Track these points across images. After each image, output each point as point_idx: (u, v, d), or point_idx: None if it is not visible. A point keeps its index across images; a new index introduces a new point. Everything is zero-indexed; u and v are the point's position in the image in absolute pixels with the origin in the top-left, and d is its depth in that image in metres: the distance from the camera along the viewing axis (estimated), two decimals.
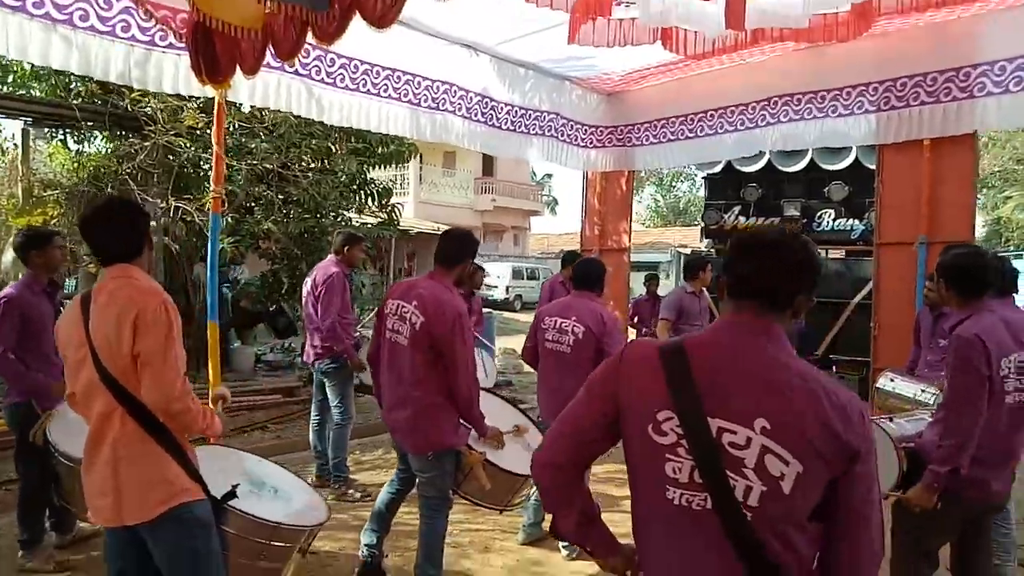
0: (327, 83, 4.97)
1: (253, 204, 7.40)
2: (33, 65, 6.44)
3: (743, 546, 1.39)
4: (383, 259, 21.50)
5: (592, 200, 8.29)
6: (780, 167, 8.91)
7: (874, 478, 1.41)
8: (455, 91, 5.88)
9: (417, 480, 3.36)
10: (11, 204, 11.77)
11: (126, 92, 6.54)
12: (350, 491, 5.06)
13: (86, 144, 9.96)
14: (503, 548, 4.20)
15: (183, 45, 4.27)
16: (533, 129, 6.78)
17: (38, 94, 8.39)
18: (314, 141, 7.38)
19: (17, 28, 3.71)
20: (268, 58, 4.71)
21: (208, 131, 6.93)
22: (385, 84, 5.34)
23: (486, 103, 6.21)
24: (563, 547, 4.08)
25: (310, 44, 4.81)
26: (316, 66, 4.92)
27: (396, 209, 9.36)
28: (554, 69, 6.65)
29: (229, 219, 6.85)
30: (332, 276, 4.71)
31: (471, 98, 6.05)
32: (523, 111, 6.60)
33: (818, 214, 8.79)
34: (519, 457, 3.33)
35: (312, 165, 7.25)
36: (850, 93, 5.34)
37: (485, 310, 9.02)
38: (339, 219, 8.02)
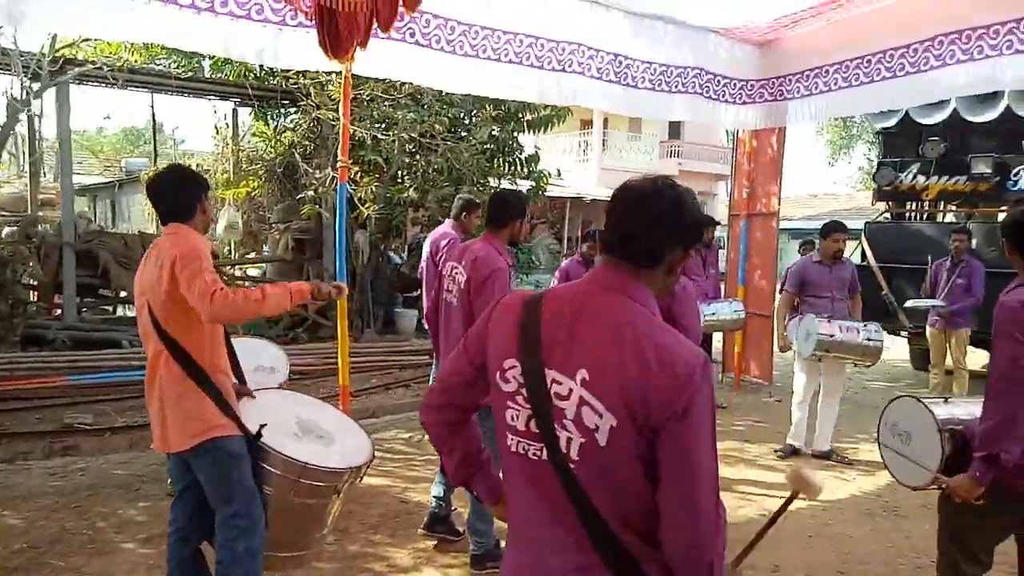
0: (447, 51, 5.07)
1: (404, 173, 7.80)
2: None
3: (573, 498, 1.34)
4: (557, 225, 21.75)
5: (741, 160, 7.82)
6: (968, 117, 7.83)
7: (703, 439, 1.30)
8: (584, 51, 5.76)
9: None
10: (224, 178, 13.32)
11: (281, 71, 7.12)
12: None
13: (283, 120, 11.02)
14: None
15: (311, 23, 4.58)
16: (675, 87, 6.47)
17: (229, 78, 9.34)
18: (452, 109, 7.61)
19: (166, 18, 4.15)
20: (393, 30, 5.01)
21: (354, 102, 7.40)
22: (506, 48, 5.34)
23: (620, 62, 6.02)
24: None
25: (430, 13, 5.07)
26: (436, 35, 5.02)
27: (544, 175, 9.41)
28: (692, 21, 6.30)
29: (374, 188, 7.30)
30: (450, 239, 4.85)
31: (602, 57, 5.89)
32: (663, 68, 6.31)
33: (1015, 171, 7.62)
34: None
35: (447, 133, 7.47)
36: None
37: None
38: (484, 186, 8.22)
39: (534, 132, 9.12)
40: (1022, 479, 2.34)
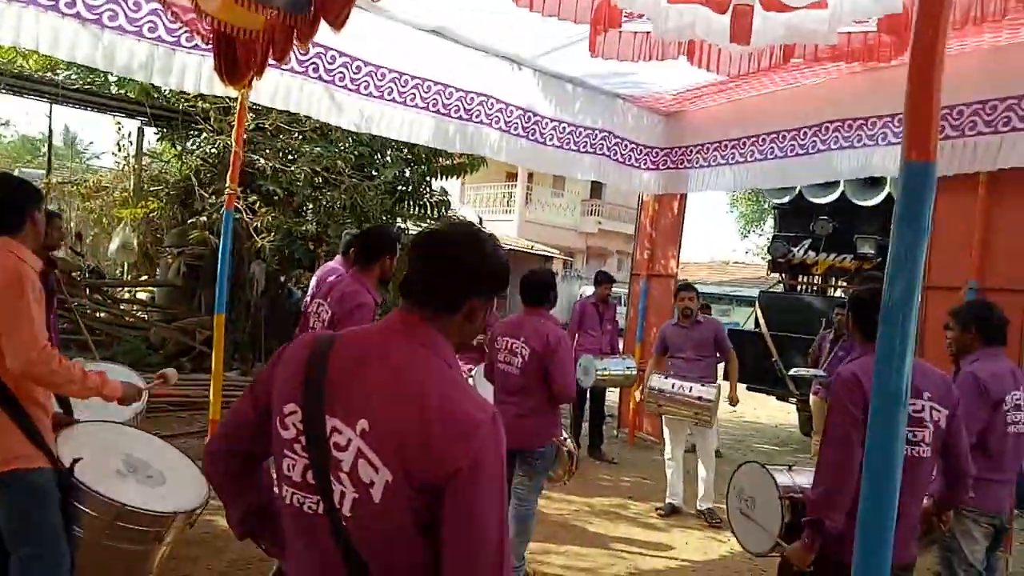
0: (350, 89, 5.01)
1: (308, 207, 7.64)
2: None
3: (345, 556, 1.26)
4: None
5: (644, 222, 8.04)
6: (855, 200, 8.33)
7: (487, 501, 1.23)
8: (492, 104, 5.83)
9: None
10: (123, 196, 12.69)
11: (186, 94, 6.92)
12: None
13: (187, 143, 10.65)
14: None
15: (208, 47, 4.45)
16: (584, 147, 6.63)
17: (131, 94, 8.99)
18: (360, 147, 7.55)
19: (49, 26, 3.94)
20: (294, 63, 4.92)
21: (258, 131, 7.24)
22: (413, 93, 5.34)
23: (528, 118, 6.12)
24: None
25: (336, 50, 5.02)
26: (340, 72, 4.97)
27: (453, 219, 9.41)
28: (601, 86, 6.50)
29: (270, 219, 7.10)
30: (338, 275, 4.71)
31: (511, 111, 5.97)
32: (572, 128, 6.46)
33: None
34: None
35: (353, 171, 7.39)
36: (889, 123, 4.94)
37: None
38: (389, 226, 8.13)
39: (446, 178, 9.14)
40: (841, 547, 2.38)
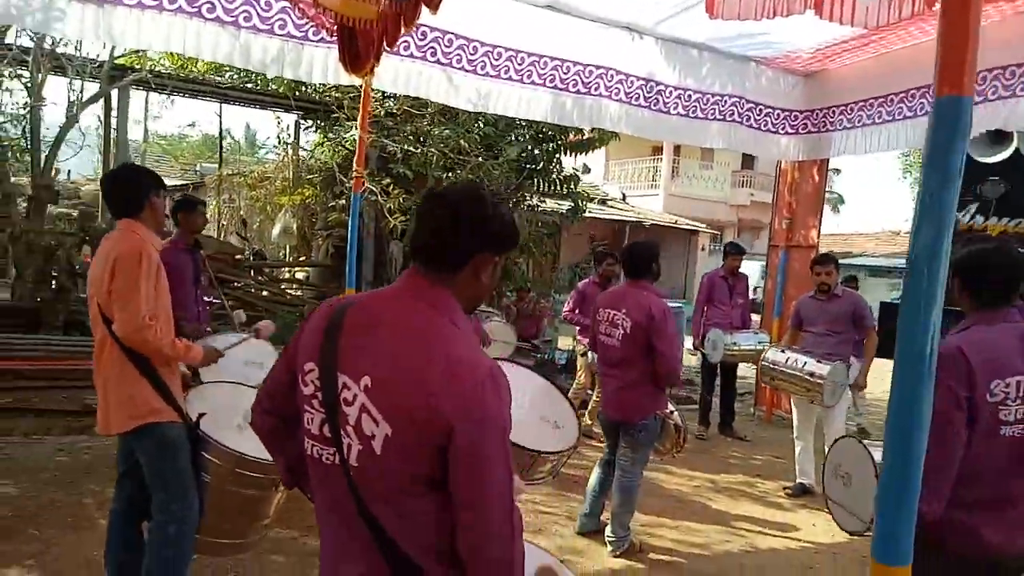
0: (467, 70, 5.12)
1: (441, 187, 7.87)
2: None
3: (356, 504, 1.35)
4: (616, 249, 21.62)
5: (783, 191, 7.59)
6: None
7: (489, 458, 1.28)
8: (612, 75, 5.73)
9: None
10: (283, 185, 13.75)
11: (327, 86, 7.34)
12: None
13: (331, 133, 11.36)
14: (556, 532, 4.13)
15: (332, 39, 4.72)
16: (711, 114, 6.36)
17: (279, 90, 9.65)
18: (486, 127, 7.67)
19: (193, 31, 4.34)
20: (413, 48, 5.10)
21: (388, 117, 7.55)
22: (529, 70, 5.37)
23: (651, 87, 5.96)
24: (609, 541, 3.91)
25: (453, 33, 5.14)
26: (458, 54, 5.09)
27: (583, 195, 9.35)
28: (729, 48, 6.19)
29: (401, 200, 7.40)
30: None
31: (631, 82, 5.84)
32: (698, 94, 6.22)
33: None
34: (530, 432, 3.22)
35: (479, 150, 7.51)
36: None
37: (675, 305, 8.63)
38: (516, 204, 8.24)
39: (576, 154, 9.09)
40: (956, 537, 2.17)
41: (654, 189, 26.68)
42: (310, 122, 11.91)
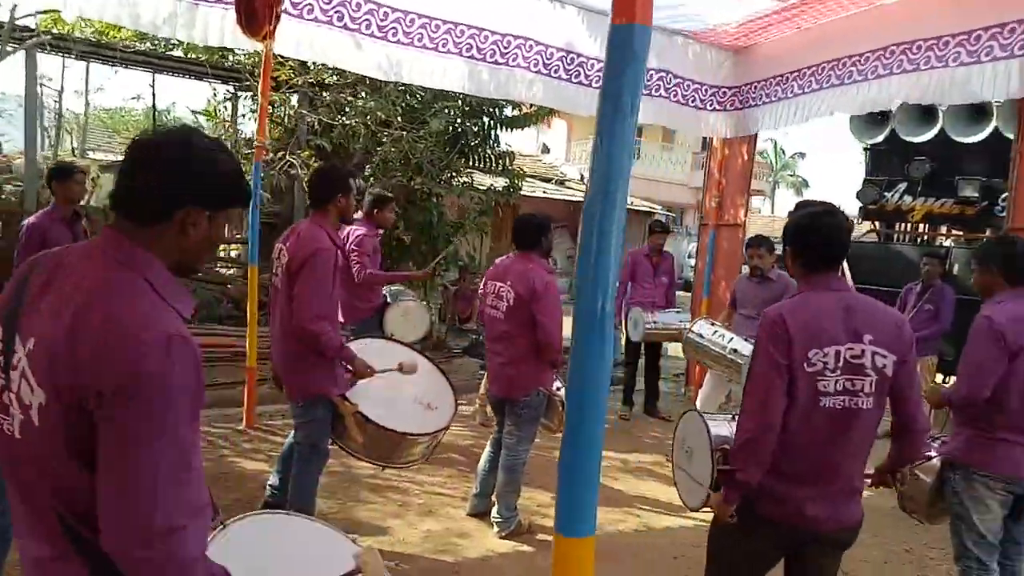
0: (376, 36, 4.94)
1: (364, 161, 7.69)
2: None
3: (28, 480, 1.23)
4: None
5: (713, 168, 7.56)
6: (956, 137, 7.45)
7: (140, 436, 1.13)
8: (531, 46, 5.59)
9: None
10: None
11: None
12: None
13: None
14: (447, 515, 4.03)
15: (229, 1, 4.50)
16: None
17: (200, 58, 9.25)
18: (408, 98, 7.49)
19: None
20: (317, 12, 4.89)
21: (305, 87, 7.32)
22: (445, 38, 5.21)
23: (572, 59, 5.84)
24: (495, 522, 3.84)
25: None
26: (366, 20, 4.90)
27: (518, 173, 9.21)
28: (657, 23, 6.09)
29: None
30: (360, 237, 4.68)
31: (551, 53, 5.72)
32: None
33: (1003, 196, 7.22)
34: (401, 413, 3.15)
35: (405, 123, 7.33)
36: (980, 37, 4.29)
37: None
38: (448, 179, 8.03)
39: (512, 129, 8.95)
40: (769, 505, 2.15)
41: None
42: (248, 94, 11.51)
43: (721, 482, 2.21)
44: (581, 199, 21.04)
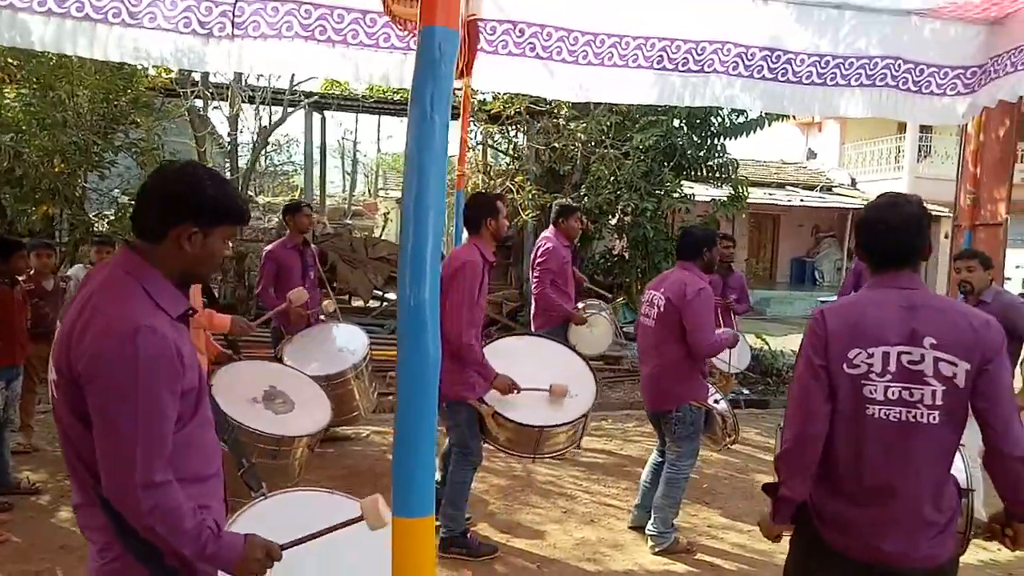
0: (568, 61, 5.17)
1: (580, 181, 7.92)
2: None
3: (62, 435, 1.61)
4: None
5: (967, 160, 6.57)
6: None
7: (107, 411, 1.46)
8: (729, 49, 5.45)
9: None
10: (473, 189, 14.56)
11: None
12: None
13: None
14: (607, 525, 4.00)
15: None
16: (855, 80, 5.77)
17: None
18: (614, 117, 7.56)
19: (313, 54, 4.86)
20: (511, 46, 5.27)
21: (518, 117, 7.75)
22: (635, 54, 5.29)
23: (777, 57, 5.56)
24: (649, 536, 3.72)
25: (552, 27, 5.21)
26: (558, 47, 5.16)
27: (743, 182, 8.80)
28: (874, 4, 5.54)
29: (531, 196, 7.58)
30: (548, 250, 4.89)
31: (752, 54, 5.50)
32: (838, 59, 5.68)
33: None
34: (539, 406, 3.26)
35: (612, 140, 7.41)
36: None
37: None
38: (650, 194, 7.91)
39: (733, 138, 8.61)
40: (833, 532, 1.88)
41: (897, 172, 23.86)
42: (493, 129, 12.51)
43: (768, 495, 2.04)
44: (849, 207, 19.32)
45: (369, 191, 26.23)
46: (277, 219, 14.41)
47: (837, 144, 25.41)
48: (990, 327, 1.87)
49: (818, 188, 19.75)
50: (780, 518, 1.99)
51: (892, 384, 1.84)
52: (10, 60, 7.69)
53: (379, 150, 26.13)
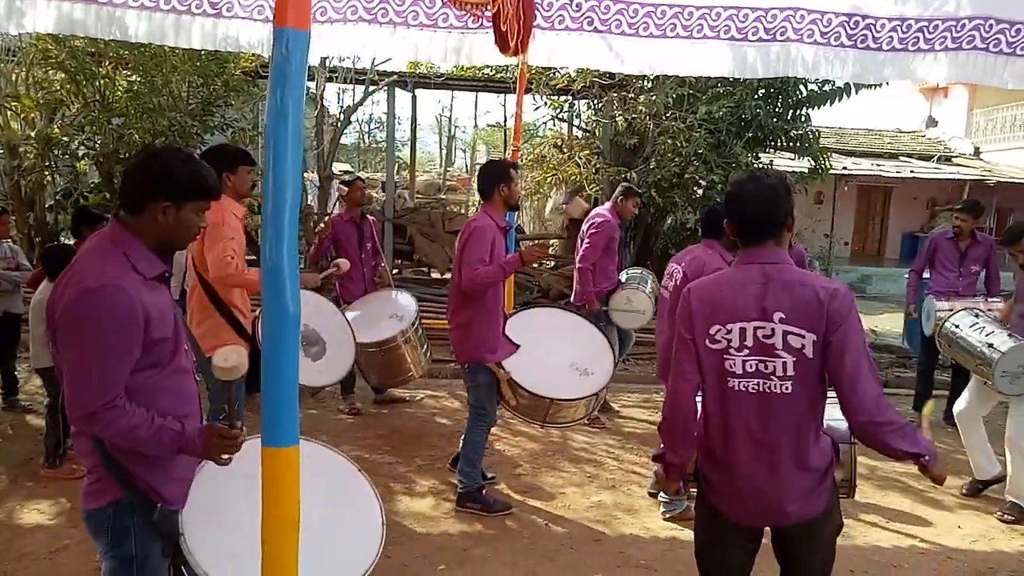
0: (628, 34, 5.11)
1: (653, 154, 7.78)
2: None
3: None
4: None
5: None
6: None
7: (69, 351, 1.77)
8: (802, 16, 5.23)
9: None
10: (556, 163, 14.57)
11: None
12: None
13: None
14: (627, 491, 4.12)
15: (490, 26, 5.11)
16: (939, 44, 5.43)
17: None
18: (679, 89, 7.35)
19: (372, 35, 5.05)
20: (568, 21, 5.26)
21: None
22: (700, 24, 5.16)
23: (855, 23, 5.29)
24: (662, 502, 3.77)
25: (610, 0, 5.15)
26: (616, 20, 5.10)
27: (823, 155, 8.40)
28: None
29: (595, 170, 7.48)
30: (596, 225, 4.91)
31: (828, 21, 5.26)
32: (921, 23, 5.36)
33: None
34: (554, 378, 3.36)
35: (678, 111, 7.23)
36: None
37: None
38: (717, 165, 7.61)
39: (813, 108, 8.23)
40: (724, 502, 2.06)
41: (1015, 141, 21.96)
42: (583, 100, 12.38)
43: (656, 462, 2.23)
44: (967, 178, 17.86)
45: (467, 166, 26.71)
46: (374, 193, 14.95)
47: (964, 111, 23.55)
48: (836, 296, 1.91)
49: (935, 158, 18.45)
50: (670, 480, 2.17)
51: (749, 358, 1.95)
52: (122, 51, 8.29)
53: (476, 125, 26.55)
